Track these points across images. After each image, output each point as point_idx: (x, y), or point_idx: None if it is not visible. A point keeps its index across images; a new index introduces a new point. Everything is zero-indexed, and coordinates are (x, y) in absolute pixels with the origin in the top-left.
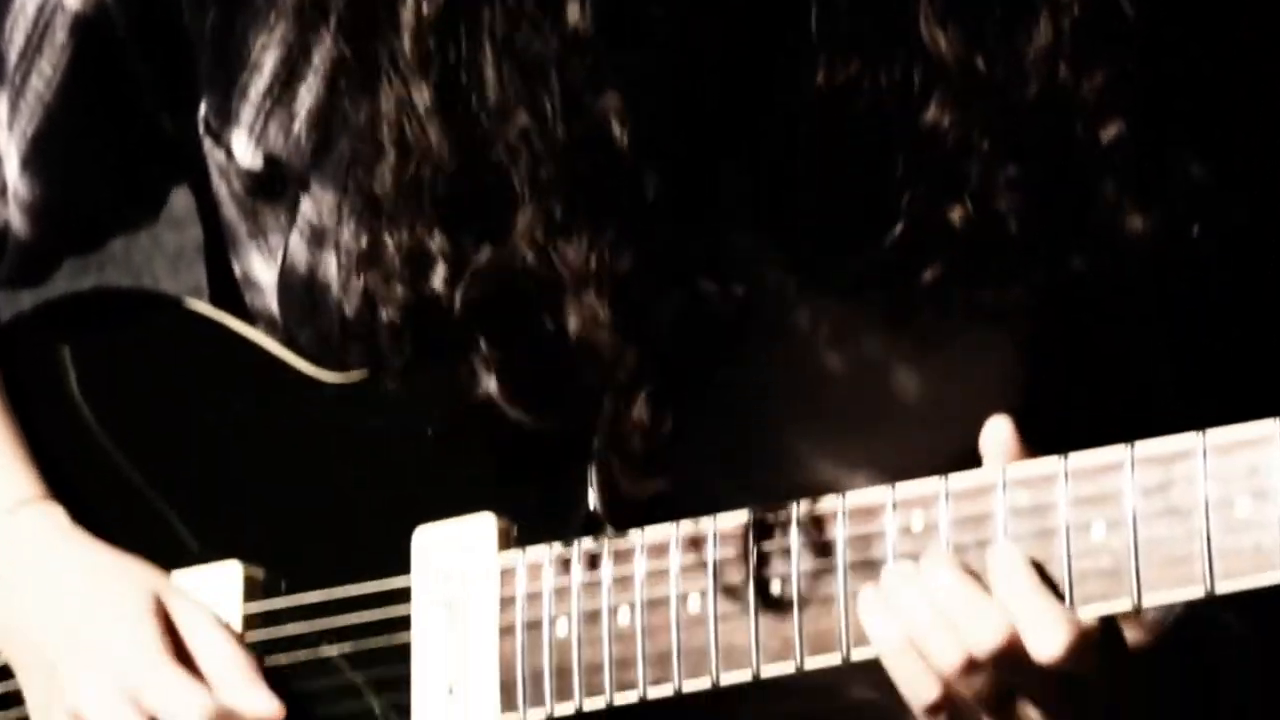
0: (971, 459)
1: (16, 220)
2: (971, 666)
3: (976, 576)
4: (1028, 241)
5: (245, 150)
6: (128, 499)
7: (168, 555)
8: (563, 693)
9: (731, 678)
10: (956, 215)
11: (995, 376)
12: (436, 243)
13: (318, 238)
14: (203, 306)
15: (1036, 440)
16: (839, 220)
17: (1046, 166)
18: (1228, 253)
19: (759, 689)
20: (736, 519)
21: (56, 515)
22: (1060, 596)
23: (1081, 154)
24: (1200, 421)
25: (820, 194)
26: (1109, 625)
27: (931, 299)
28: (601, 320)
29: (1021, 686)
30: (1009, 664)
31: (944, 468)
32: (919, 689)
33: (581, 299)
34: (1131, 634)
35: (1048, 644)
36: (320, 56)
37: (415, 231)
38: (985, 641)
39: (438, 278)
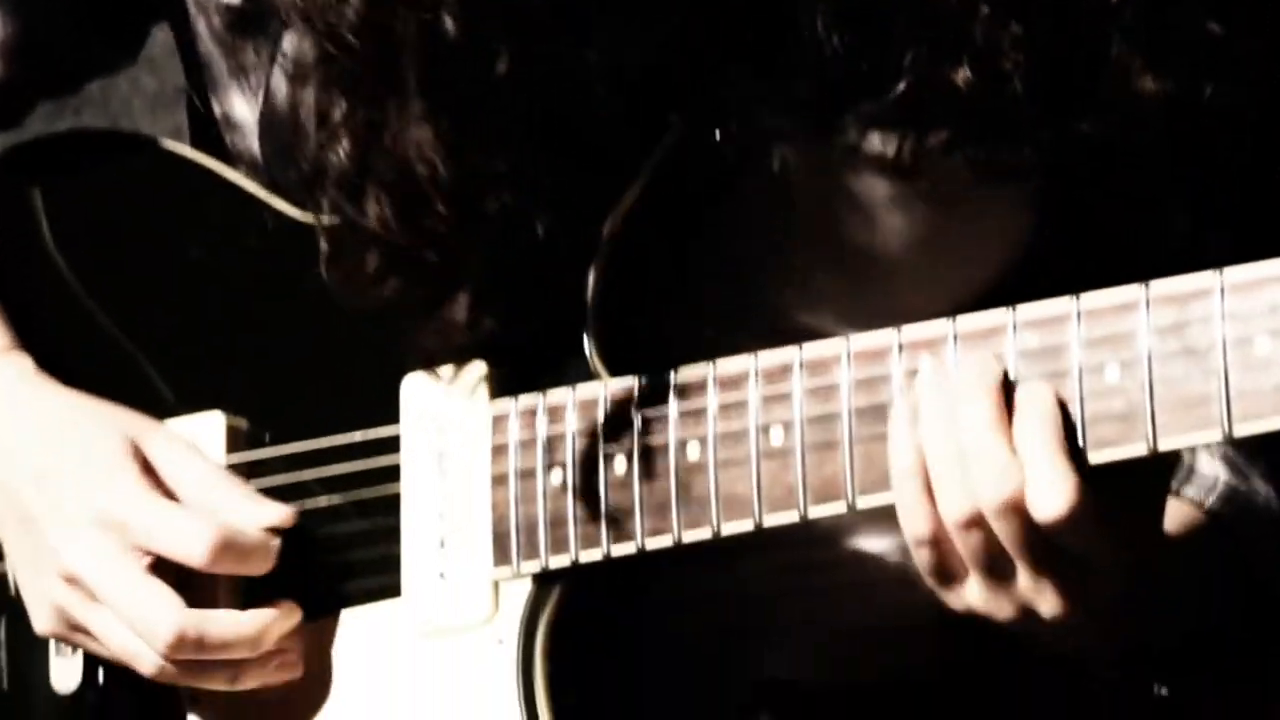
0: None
1: None
2: (974, 519)
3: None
4: (1034, 103)
5: None
6: (103, 349)
7: (145, 407)
8: (558, 545)
9: (733, 528)
10: (960, 76)
11: (1004, 227)
12: (339, 108)
13: (300, 74)
14: (181, 148)
15: (1047, 295)
16: (840, 74)
17: (1053, 26)
18: (1241, 112)
19: (759, 540)
20: (737, 364)
21: (24, 366)
22: (1076, 437)
23: (1090, 12)
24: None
25: (820, 49)
26: (1118, 504)
27: (938, 155)
28: (437, 212)
29: (1019, 551)
30: (1007, 519)
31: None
32: (914, 520)
33: (388, 190)
34: (1169, 522)
35: (1047, 500)
36: None
37: (328, 93)
38: (988, 491)
39: (341, 143)
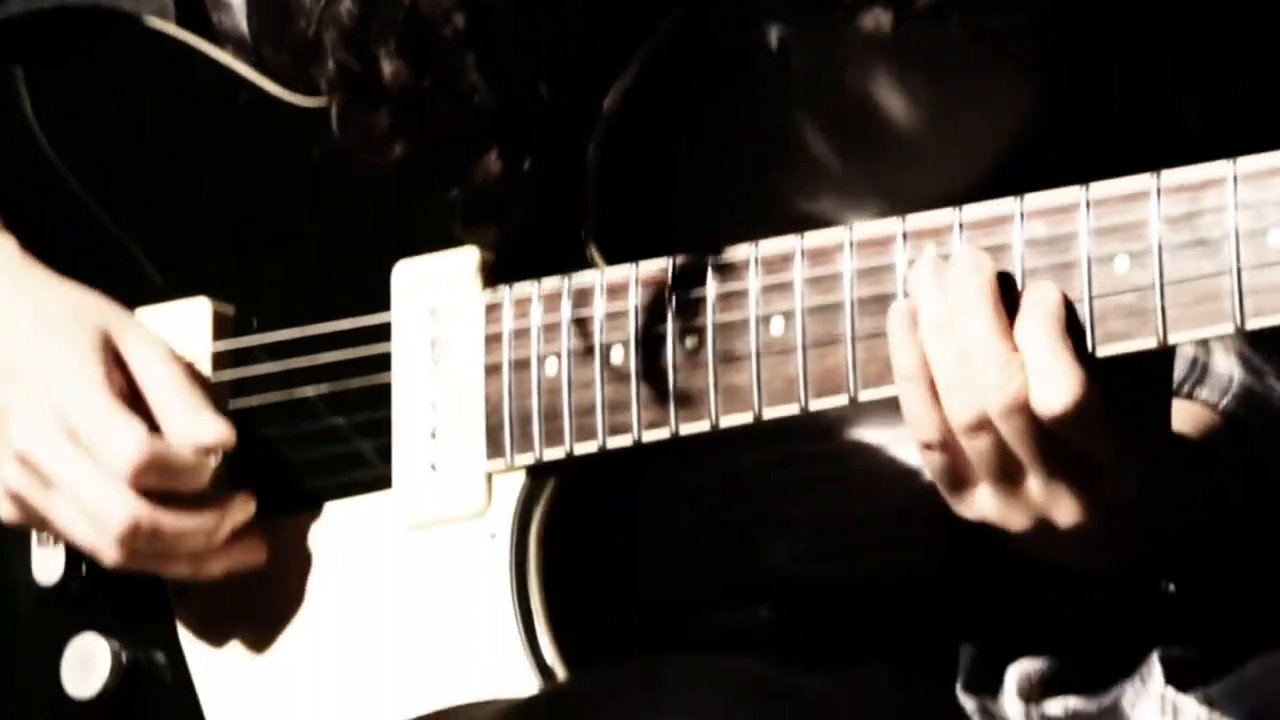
0: (983, 194)
1: None
2: (981, 422)
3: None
4: None
5: None
6: (87, 231)
7: (131, 291)
8: (552, 436)
9: (732, 420)
10: None
11: (1007, 107)
12: None
13: None
14: (167, 26)
15: (1055, 176)
16: None
17: None
18: None
19: (760, 431)
20: (736, 253)
21: (9, 247)
22: (1081, 335)
23: None
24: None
25: None
26: (1123, 399)
27: (932, 24)
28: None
29: (1028, 452)
30: (1013, 419)
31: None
32: (921, 425)
33: (400, 40)
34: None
35: (1051, 395)
36: None
37: None
38: (993, 393)
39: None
